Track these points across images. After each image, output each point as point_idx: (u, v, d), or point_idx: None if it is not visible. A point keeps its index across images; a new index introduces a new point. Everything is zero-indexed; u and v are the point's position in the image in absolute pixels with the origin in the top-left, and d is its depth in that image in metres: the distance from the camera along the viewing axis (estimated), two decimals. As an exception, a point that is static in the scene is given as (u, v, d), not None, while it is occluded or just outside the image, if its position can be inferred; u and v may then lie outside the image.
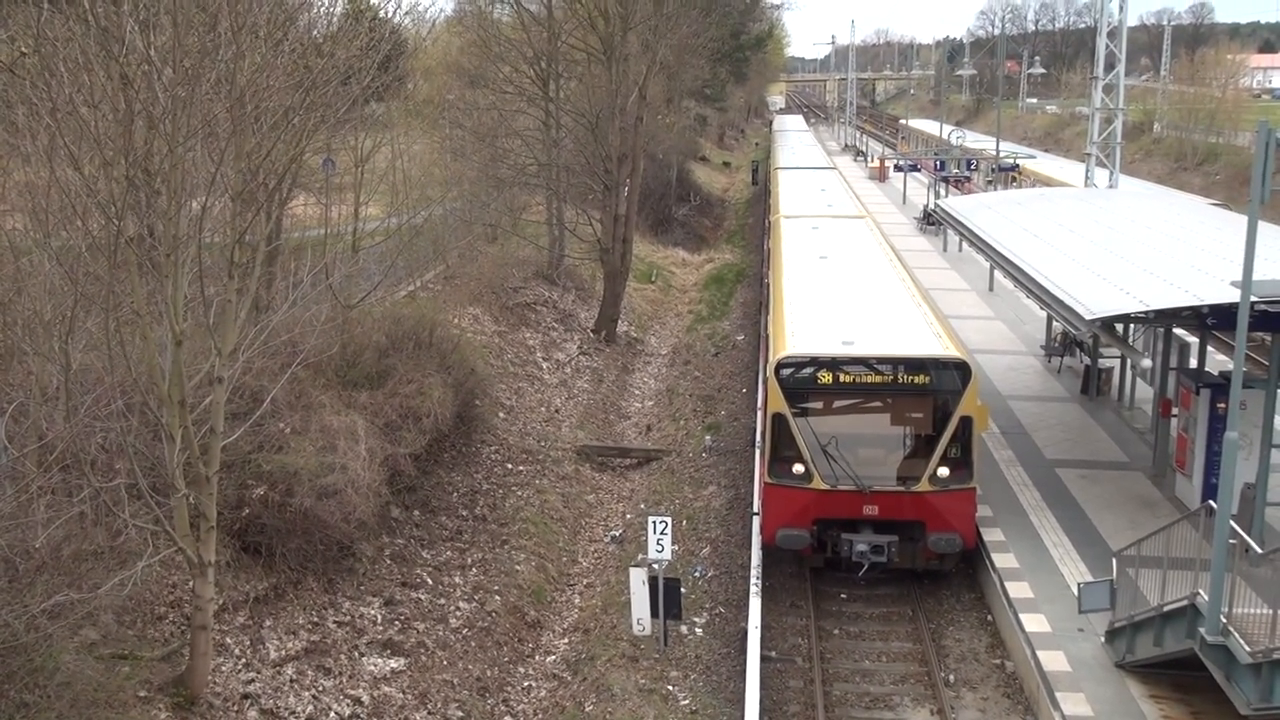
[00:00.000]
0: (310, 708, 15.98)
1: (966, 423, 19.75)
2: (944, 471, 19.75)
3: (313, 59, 16.19)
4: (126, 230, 13.06)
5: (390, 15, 25.33)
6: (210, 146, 13.75)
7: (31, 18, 13.03)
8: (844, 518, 20.10)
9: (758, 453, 23.68)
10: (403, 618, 19.20)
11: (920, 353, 20.20)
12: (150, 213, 13.09)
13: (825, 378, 19.98)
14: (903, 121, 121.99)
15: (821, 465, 19.86)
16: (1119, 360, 29.30)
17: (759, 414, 25.19)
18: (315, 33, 20.24)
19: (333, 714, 16.16)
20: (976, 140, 79.52)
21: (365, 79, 18.22)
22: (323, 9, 21.32)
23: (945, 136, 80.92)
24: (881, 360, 19.98)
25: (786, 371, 20.09)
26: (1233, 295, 14.99)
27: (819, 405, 20.22)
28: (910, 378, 19.85)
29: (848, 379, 19.97)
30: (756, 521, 21.54)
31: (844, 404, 20.36)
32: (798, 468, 19.98)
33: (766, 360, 22.69)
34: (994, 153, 63.37)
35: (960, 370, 19.80)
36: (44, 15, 12.88)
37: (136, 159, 12.75)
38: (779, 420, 20.11)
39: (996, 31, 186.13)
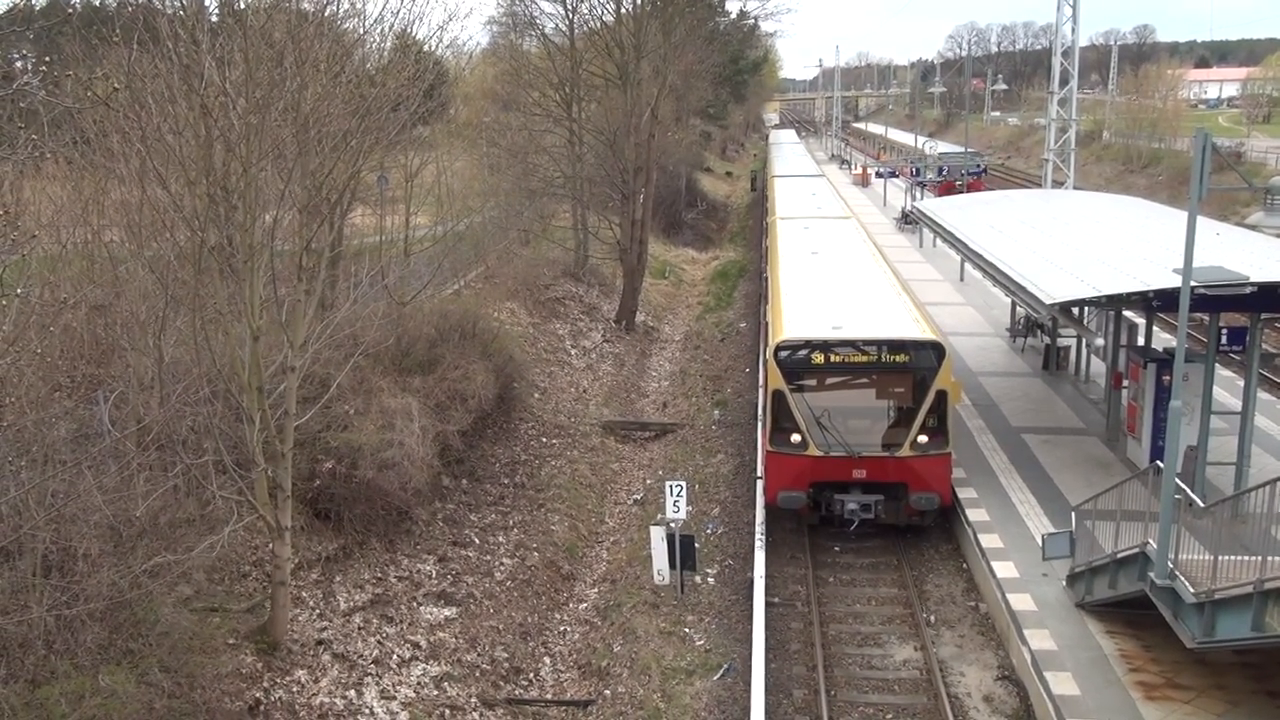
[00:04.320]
0: (376, 651, 16.06)
1: (942, 395, 19.67)
2: (923, 439, 19.67)
3: (367, 89, 16.15)
4: (209, 241, 13.12)
5: (434, 49, 25.19)
6: (279, 166, 13.77)
7: (122, 57, 13.04)
8: (836, 480, 20.11)
9: (760, 425, 23.61)
10: (454, 572, 19.26)
11: (900, 335, 20.09)
12: (229, 225, 13.13)
13: (818, 358, 19.90)
14: (853, 124, 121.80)
15: (816, 435, 19.83)
16: (1075, 339, 29.09)
17: (761, 391, 25.12)
18: (369, 65, 20.17)
19: (395, 656, 16.23)
20: (947, 149, 78.99)
21: (413, 105, 18.13)
22: (375, 44, 21.22)
23: (919, 147, 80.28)
24: (867, 342, 19.88)
25: (784, 353, 20.01)
26: (1175, 281, 14.85)
27: (813, 382, 20.12)
28: (892, 357, 19.75)
29: (838, 359, 19.89)
30: (760, 485, 21.51)
31: (835, 381, 20.23)
32: (795, 437, 19.91)
33: (766, 344, 22.61)
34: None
35: (935, 350, 19.72)
36: (133, 55, 12.89)
37: (216, 178, 12.78)
38: (778, 396, 20.04)
39: (964, 53, 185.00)
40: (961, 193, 53.44)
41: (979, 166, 63.10)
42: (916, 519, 20.47)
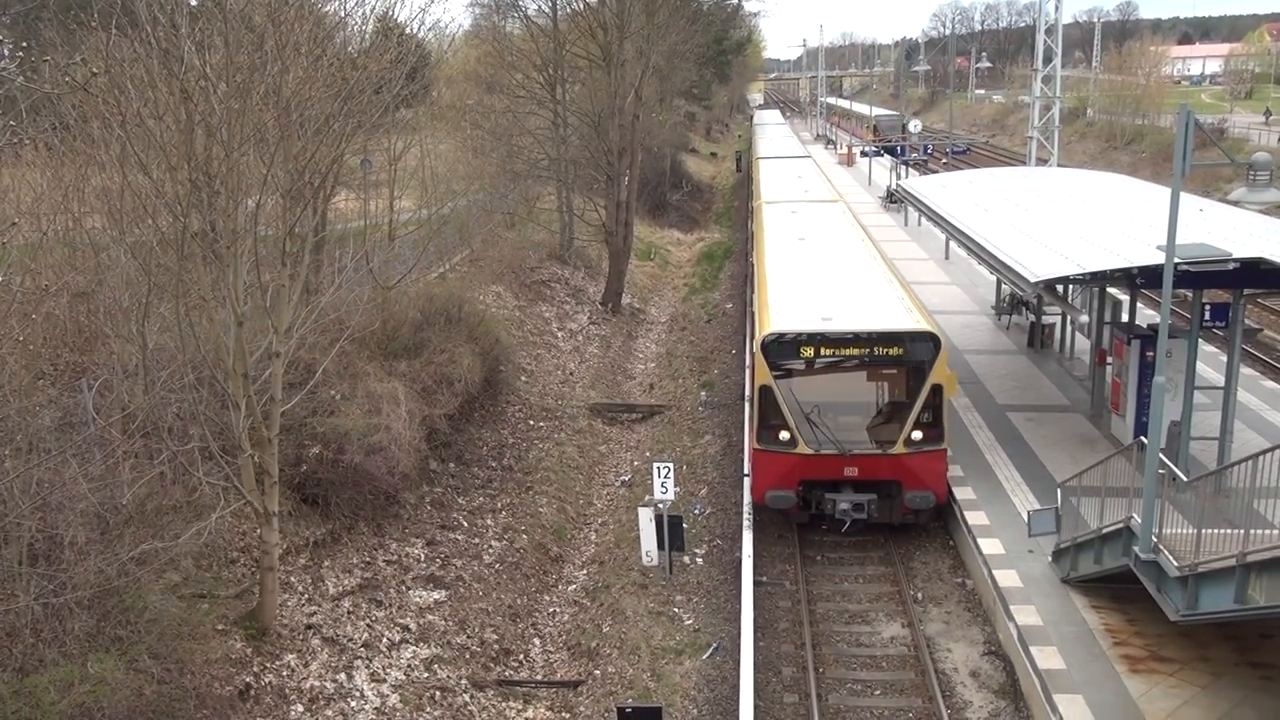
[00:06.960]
0: (365, 635, 16.09)
1: (937, 389, 18.95)
2: (917, 435, 18.97)
3: (349, 72, 16.02)
4: (192, 226, 13.03)
5: (416, 31, 25.04)
6: (262, 151, 13.67)
7: (101, 42, 12.92)
8: (827, 479, 19.42)
9: (746, 418, 23.12)
10: (443, 556, 19.28)
11: (893, 326, 19.33)
12: (211, 210, 13.04)
13: (807, 351, 19.16)
14: (822, 100, 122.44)
15: (805, 431, 19.13)
16: (1060, 316, 29.22)
17: (747, 383, 24.80)
18: (350, 48, 20.03)
19: (385, 640, 16.26)
20: (882, 113, 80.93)
21: (395, 88, 18.04)
22: (356, 27, 21.09)
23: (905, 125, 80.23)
24: (858, 334, 19.12)
25: (772, 346, 19.22)
26: (1159, 258, 14.91)
27: (802, 377, 19.30)
28: (885, 349, 19.05)
29: (828, 352, 19.16)
30: (747, 483, 20.86)
31: (825, 375, 19.39)
32: (784, 434, 19.22)
33: (753, 336, 21.79)
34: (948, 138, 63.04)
35: (931, 341, 18.97)
36: (112, 39, 12.77)
37: (198, 164, 12.69)
38: (766, 391, 19.31)
39: (948, 31, 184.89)
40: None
41: (904, 124, 71.94)
42: (910, 518, 19.90)
